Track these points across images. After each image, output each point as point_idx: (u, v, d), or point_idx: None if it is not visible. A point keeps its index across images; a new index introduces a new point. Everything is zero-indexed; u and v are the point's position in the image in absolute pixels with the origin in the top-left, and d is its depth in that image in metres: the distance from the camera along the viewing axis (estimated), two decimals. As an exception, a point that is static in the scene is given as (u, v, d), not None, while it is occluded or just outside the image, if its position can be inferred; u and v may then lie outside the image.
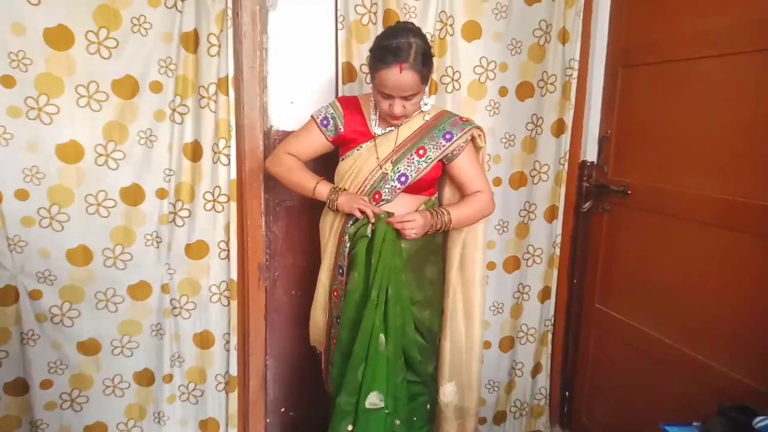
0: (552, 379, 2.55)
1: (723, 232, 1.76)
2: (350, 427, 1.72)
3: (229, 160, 2.00)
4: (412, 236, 1.66)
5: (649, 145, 2.04)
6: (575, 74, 2.22)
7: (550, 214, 2.36)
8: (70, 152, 1.86)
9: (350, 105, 1.77)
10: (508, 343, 2.47)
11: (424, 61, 1.56)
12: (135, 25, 1.83)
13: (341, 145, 1.79)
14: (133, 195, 1.96)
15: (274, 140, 2.03)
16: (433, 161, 1.72)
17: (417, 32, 1.59)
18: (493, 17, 2.13)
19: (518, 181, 2.32)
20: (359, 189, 1.73)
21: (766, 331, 1.64)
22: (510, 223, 2.36)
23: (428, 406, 1.89)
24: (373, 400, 1.68)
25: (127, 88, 1.87)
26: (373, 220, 1.66)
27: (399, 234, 1.67)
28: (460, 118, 1.77)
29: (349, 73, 2.04)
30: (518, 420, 2.56)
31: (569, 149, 2.30)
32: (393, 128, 1.73)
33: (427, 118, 1.74)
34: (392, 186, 1.71)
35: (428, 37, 2.02)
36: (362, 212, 1.66)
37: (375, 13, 2.01)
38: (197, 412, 2.22)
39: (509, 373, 2.51)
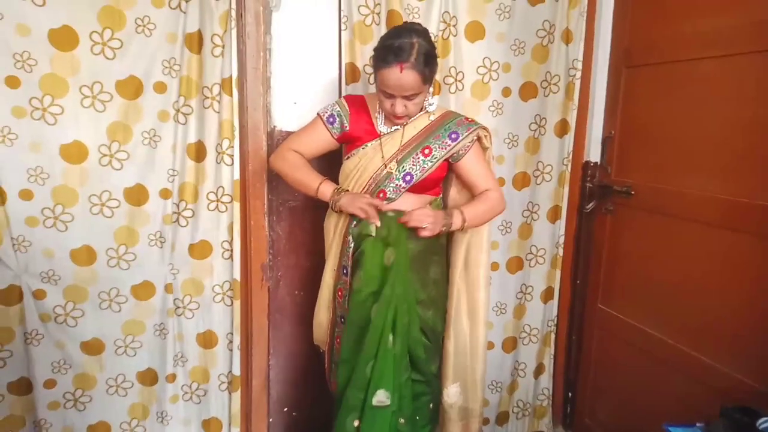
0: (555, 379, 2.55)
1: (725, 232, 1.76)
2: (356, 423, 1.73)
3: (232, 160, 2.00)
4: (426, 234, 1.64)
5: (652, 145, 2.04)
6: (578, 75, 2.22)
7: (553, 215, 2.36)
8: (74, 152, 1.86)
9: (357, 103, 1.77)
10: (510, 344, 2.47)
11: (426, 62, 1.56)
12: (139, 25, 1.84)
13: (346, 143, 1.79)
14: (136, 195, 1.96)
15: (277, 140, 2.04)
16: (438, 161, 1.72)
17: (421, 32, 1.59)
18: (496, 18, 2.13)
19: (521, 181, 2.32)
20: (364, 187, 1.73)
21: (770, 332, 1.64)
22: (513, 224, 2.36)
23: (431, 405, 1.89)
24: (381, 397, 1.69)
25: (131, 88, 1.88)
26: (374, 221, 1.66)
27: (408, 233, 1.67)
28: (465, 118, 1.77)
29: (352, 74, 2.04)
30: (521, 420, 2.56)
31: (572, 150, 2.30)
32: (398, 127, 1.73)
33: (432, 118, 1.74)
34: (397, 185, 1.71)
35: (432, 37, 2.02)
36: (365, 212, 1.66)
37: (378, 14, 2.01)
38: (200, 412, 2.22)
39: (512, 374, 2.51)
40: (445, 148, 1.72)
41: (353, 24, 2.00)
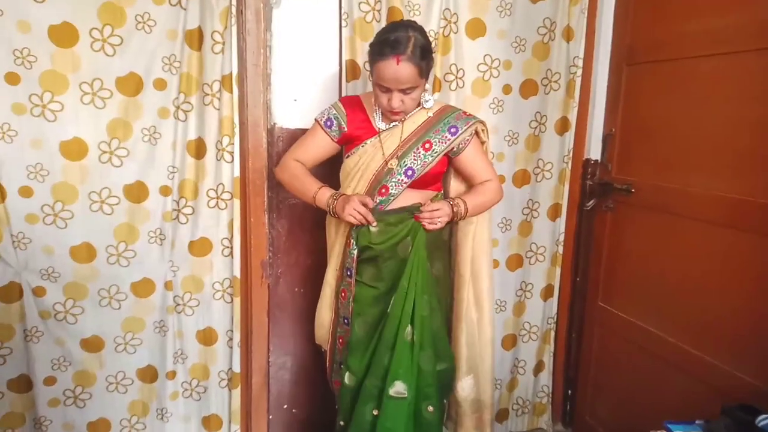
0: (554, 377, 2.56)
1: (727, 231, 1.76)
2: (375, 412, 1.76)
3: (232, 157, 2.00)
4: (437, 227, 1.71)
5: (653, 143, 2.04)
6: (579, 72, 2.22)
7: (554, 212, 2.36)
8: (74, 149, 1.86)
9: (352, 103, 1.78)
10: (510, 341, 2.47)
11: (423, 55, 1.57)
12: (139, 22, 1.83)
13: (347, 144, 1.79)
14: (136, 192, 1.96)
15: (277, 137, 2.03)
16: (439, 155, 1.73)
17: (416, 27, 1.60)
18: (497, 15, 2.12)
19: (521, 179, 2.32)
20: (367, 184, 1.73)
21: (770, 330, 1.64)
22: (513, 221, 2.35)
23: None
24: (398, 388, 1.72)
25: (131, 85, 1.87)
26: (370, 222, 1.67)
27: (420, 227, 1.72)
28: (463, 112, 1.78)
29: (352, 71, 2.04)
30: (520, 418, 2.56)
31: (573, 147, 2.30)
32: (397, 123, 1.73)
33: (430, 114, 1.75)
34: (399, 179, 1.72)
35: (432, 34, 2.02)
36: (356, 219, 1.66)
37: (379, 11, 2.01)
38: (200, 409, 2.22)
39: (512, 371, 2.51)
40: (445, 142, 1.72)
41: (354, 21, 1.99)
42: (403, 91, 1.60)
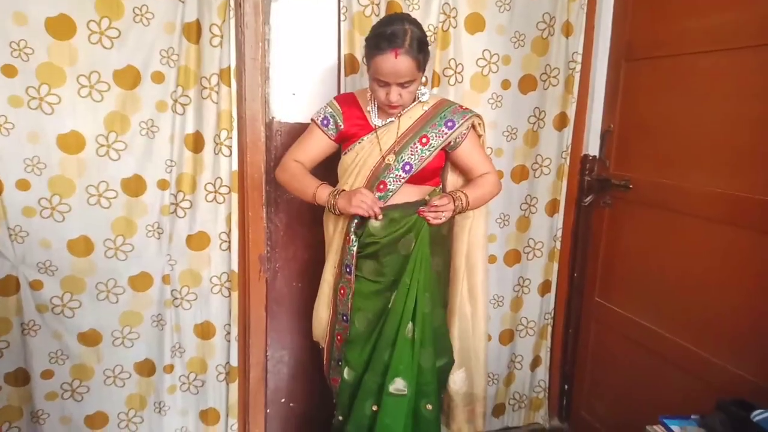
0: (551, 372, 2.57)
1: (725, 227, 1.77)
2: (375, 407, 1.77)
3: (230, 151, 2.00)
4: (441, 221, 1.71)
5: (652, 139, 2.04)
6: (578, 68, 2.22)
7: (552, 208, 2.36)
8: (72, 142, 1.85)
9: (347, 101, 1.78)
10: (507, 336, 2.48)
11: (420, 48, 1.57)
12: (137, 15, 1.82)
13: (344, 141, 1.79)
14: (134, 186, 1.96)
15: (276, 132, 2.03)
16: (436, 149, 1.73)
17: (412, 20, 1.60)
18: (496, 9, 2.12)
19: (520, 174, 2.32)
20: (365, 181, 1.73)
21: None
22: (511, 217, 2.36)
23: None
24: (398, 385, 1.72)
25: (129, 78, 1.86)
26: (377, 213, 1.65)
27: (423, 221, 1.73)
28: (459, 106, 1.78)
29: (351, 65, 2.03)
30: (517, 413, 2.57)
31: (571, 143, 2.30)
32: (393, 119, 1.73)
33: (427, 107, 1.75)
34: (397, 175, 1.71)
35: (431, 29, 2.01)
36: (364, 210, 1.65)
37: (378, 5, 2.00)
38: (198, 402, 2.22)
39: (508, 366, 2.52)
40: (442, 137, 1.72)
41: (352, 14, 1.98)
42: (401, 85, 1.60)
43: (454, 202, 1.73)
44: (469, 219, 1.88)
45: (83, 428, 2.09)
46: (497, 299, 2.42)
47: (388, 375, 1.72)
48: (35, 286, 1.92)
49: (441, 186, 1.88)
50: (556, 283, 2.46)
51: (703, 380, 1.83)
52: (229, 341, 2.17)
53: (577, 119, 2.29)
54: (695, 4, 1.85)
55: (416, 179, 1.75)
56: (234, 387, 2.20)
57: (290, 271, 2.18)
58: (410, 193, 1.75)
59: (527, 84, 2.22)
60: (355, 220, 1.72)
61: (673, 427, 1.51)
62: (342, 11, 1.99)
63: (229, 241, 2.08)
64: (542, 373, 2.54)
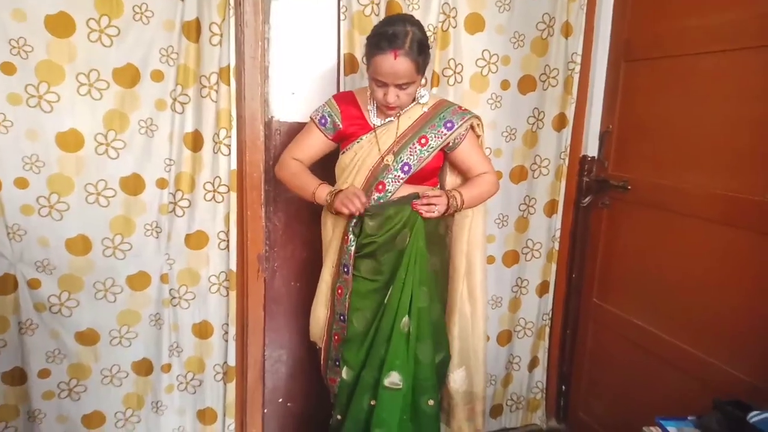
0: (549, 373, 2.57)
1: (724, 228, 1.77)
2: (372, 402, 1.77)
3: (229, 150, 1.99)
4: (434, 215, 1.69)
5: (651, 140, 2.04)
6: (577, 68, 2.22)
7: (550, 209, 2.37)
8: (70, 141, 1.84)
9: (346, 100, 1.78)
10: (505, 337, 2.48)
11: (420, 50, 1.56)
12: (137, 13, 1.82)
13: (342, 140, 1.79)
14: (133, 184, 1.95)
15: (275, 131, 2.03)
16: (435, 150, 1.73)
17: (414, 22, 1.60)
18: (496, 10, 2.12)
19: (518, 175, 2.32)
20: (364, 180, 1.73)
21: (766, 328, 1.65)
22: (509, 217, 2.36)
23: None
24: (393, 379, 1.73)
25: (128, 76, 1.86)
26: (362, 206, 1.65)
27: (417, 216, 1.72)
28: (458, 107, 1.78)
29: (351, 65, 2.03)
30: (515, 413, 2.57)
31: (570, 144, 2.30)
32: (393, 119, 1.73)
33: (426, 108, 1.75)
34: (395, 175, 1.72)
35: (431, 28, 2.01)
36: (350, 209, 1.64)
37: (378, 4, 2.00)
38: (195, 402, 2.22)
39: (506, 367, 2.52)
40: (441, 137, 1.73)
41: (352, 14, 1.98)
42: (399, 86, 1.60)
43: (448, 198, 1.72)
44: (468, 218, 1.88)
45: (80, 428, 2.08)
46: (495, 300, 2.42)
47: (383, 369, 1.73)
48: (33, 284, 1.91)
49: (439, 186, 1.88)
50: (555, 284, 2.46)
51: (700, 381, 1.84)
52: (227, 341, 2.17)
53: (576, 120, 2.29)
54: (695, 4, 1.85)
55: (414, 179, 1.75)
56: (231, 386, 2.19)
57: (289, 270, 2.18)
58: (408, 192, 1.74)
59: (526, 84, 2.22)
60: (354, 220, 1.72)
61: (669, 428, 1.51)
62: (342, 11, 1.99)
63: (228, 241, 2.08)
64: (540, 373, 2.54)
